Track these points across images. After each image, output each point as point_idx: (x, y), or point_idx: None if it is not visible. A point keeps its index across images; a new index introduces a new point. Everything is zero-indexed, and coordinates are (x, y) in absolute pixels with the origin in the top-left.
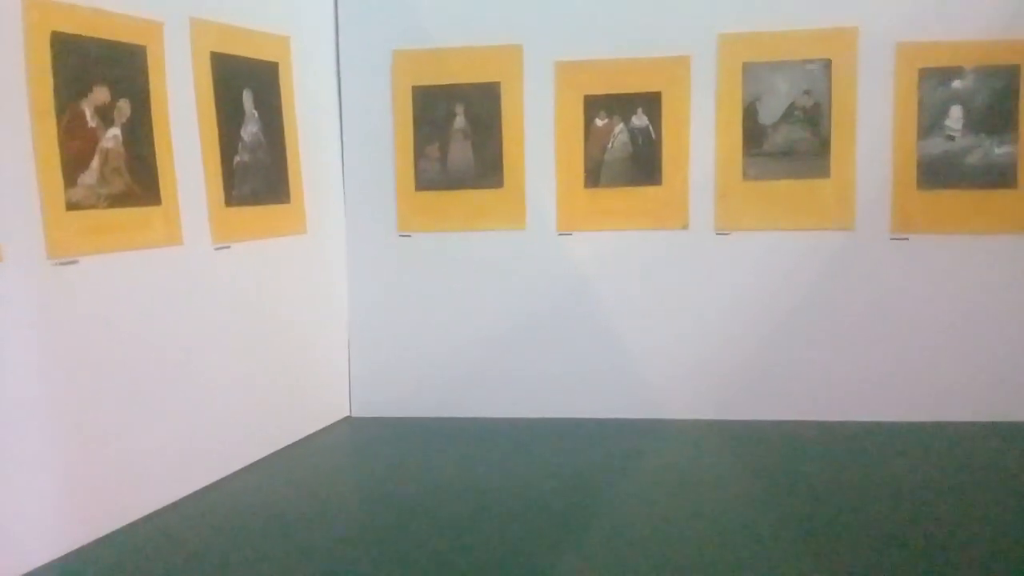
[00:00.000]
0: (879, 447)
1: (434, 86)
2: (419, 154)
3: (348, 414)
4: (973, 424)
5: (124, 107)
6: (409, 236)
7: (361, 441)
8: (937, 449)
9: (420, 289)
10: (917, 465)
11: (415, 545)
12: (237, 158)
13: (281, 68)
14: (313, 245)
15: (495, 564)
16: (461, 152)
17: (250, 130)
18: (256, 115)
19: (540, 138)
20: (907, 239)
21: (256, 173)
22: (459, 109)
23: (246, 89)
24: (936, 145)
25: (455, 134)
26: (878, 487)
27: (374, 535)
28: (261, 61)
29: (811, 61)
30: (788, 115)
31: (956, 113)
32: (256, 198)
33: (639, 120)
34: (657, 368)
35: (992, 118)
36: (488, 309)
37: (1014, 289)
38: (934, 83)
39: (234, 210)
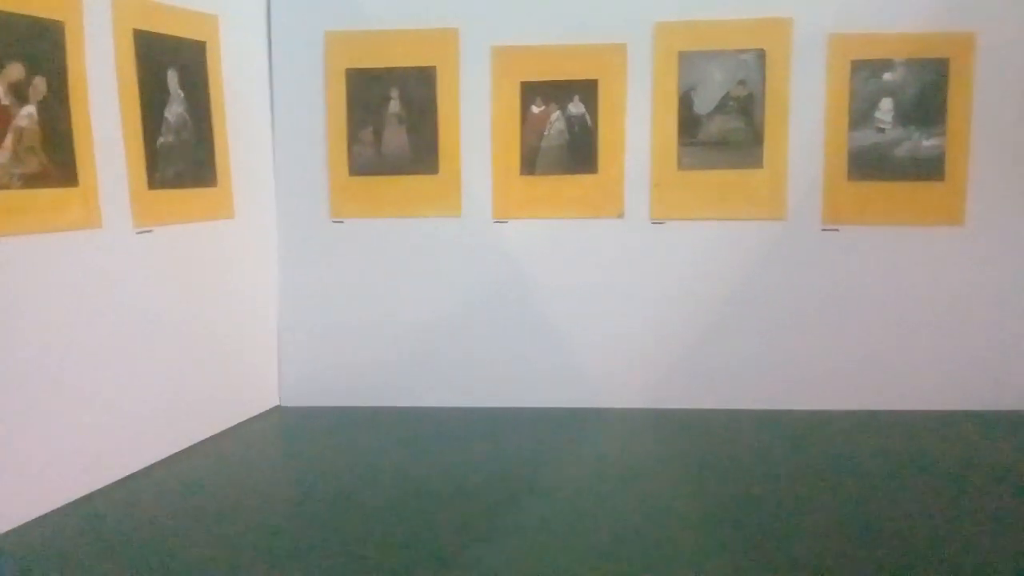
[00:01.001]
0: (810, 434)
1: (368, 69)
2: (353, 138)
3: (278, 403)
4: (902, 412)
5: (40, 84)
6: (342, 222)
7: (290, 431)
8: (867, 436)
9: (353, 276)
10: (848, 452)
11: (342, 537)
12: (161, 139)
13: (209, 47)
14: (241, 230)
15: (423, 554)
16: (396, 137)
17: (175, 111)
18: (182, 95)
19: (476, 124)
20: (838, 230)
21: (181, 155)
22: (394, 93)
23: (171, 68)
24: (867, 137)
25: (390, 118)
26: (809, 474)
27: (300, 527)
28: (188, 40)
29: (745, 51)
30: (723, 105)
31: (886, 105)
32: (181, 181)
33: (576, 108)
34: (593, 357)
35: (921, 111)
36: (422, 297)
37: (941, 280)
38: (865, 75)
39: (157, 193)
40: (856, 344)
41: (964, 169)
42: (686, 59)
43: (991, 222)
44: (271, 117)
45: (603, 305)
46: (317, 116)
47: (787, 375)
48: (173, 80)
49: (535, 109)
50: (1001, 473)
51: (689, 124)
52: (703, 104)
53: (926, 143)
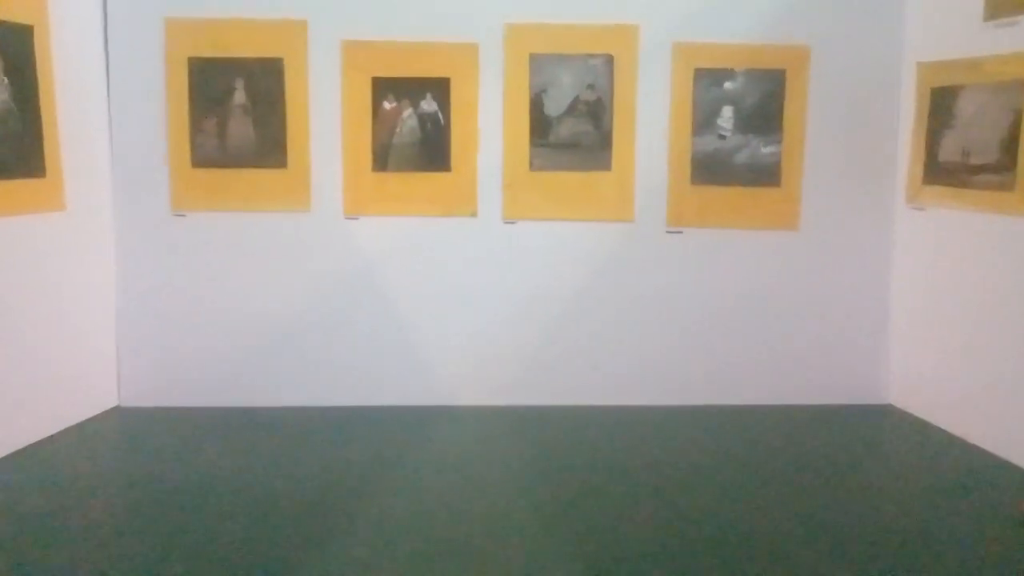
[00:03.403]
0: (652, 429)
1: (212, 58)
2: (195, 129)
3: (117, 404)
4: (742, 408)
5: None
6: (184, 215)
7: (129, 432)
8: (711, 431)
9: (195, 272)
10: (692, 447)
11: (178, 546)
12: None
13: (37, 32)
14: (74, 223)
15: (258, 560)
16: (241, 129)
17: None
18: (6, 82)
19: (326, 118)
20: (681, 232)
21: (5, 144)
22: (239, 84)
23: None
24: (709, 143)
25: (234, 110)
26: (645, 468)
27: (131, 537)
28: (12, 23)
29: (594, 56)
30: (573, 108)
31: (727, 113)
32: (5, 171)
33: (428, 105)
34: (444, 355)
35: (760, 119)
36: (269, 295)
37: (777, 281)
38: (707, 83)
39: None
40: (697, 342)
41: (799, 176)
42: (537, 61)
43: (823, 227)
44: (108, 106)
45: (455, 303)
46: (157, 106)
47: (633, 371)
48: None
49: (387, 105)
50: (822, 464)
51: (541, 126)
52: (554, 106)
53: (764, 150)
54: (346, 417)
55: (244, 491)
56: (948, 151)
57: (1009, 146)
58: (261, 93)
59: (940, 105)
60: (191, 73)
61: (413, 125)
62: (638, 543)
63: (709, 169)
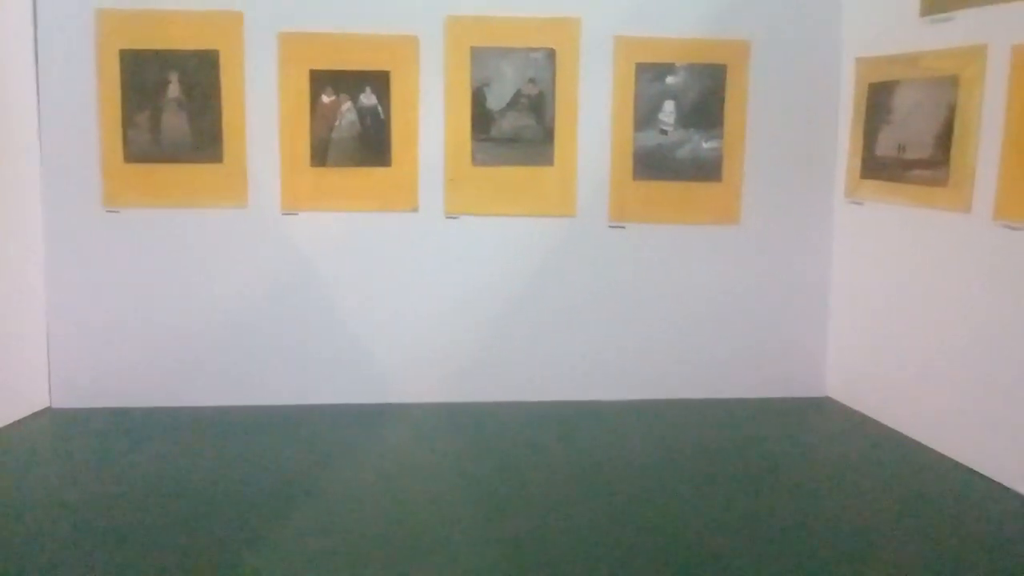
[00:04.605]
0: (598, 425)
1: (145, 51)
2: (128, 123)
3: (48, 405)
4: (683, 402)
5: None
6: (117, 212)
7: (61, 434)
8: (652, 426)
9: (129, 270)
10: (631, 442)
11: (110, 544)
12: None
13: None
14: (2, 220)
15: (195, 559)
16: (175, 122)
17: None
18: None
19: (263, 112)
20: (624, 227)
21: None
22: (173, 77)
23: None
24: (650, 138)
25: (169, 103)
26: (592, 464)
27: (59, 541)
28: None
29: (536, 50)
30: (515, 102)
31: (669, 108)
32: None
33: (367, 99)
34: (386, 352)
35: (701, 114)
36: (205, 292)
37: (718, 275)
38: (649, 78)
39: None
40: (638, 336)
41: (740, 171)
42: (478, 55)
43: (764, 221)
44: (37, 100)
45: (396, 300)
46: (88, 99)
47: (575, 367)
48: None
49: (325, 99)
50: (758, 457)
51: (482, 120)
52: (496, 100)
53: (705, 145)
54: (286, 416)
55: (180, 493)
56: (885, 146)
57: (943, 141)
58: (196, 86)
59: (877, 100)
60: (123, 66)
61: (352, 119)
62: (571, 540)
63: (651, 164)
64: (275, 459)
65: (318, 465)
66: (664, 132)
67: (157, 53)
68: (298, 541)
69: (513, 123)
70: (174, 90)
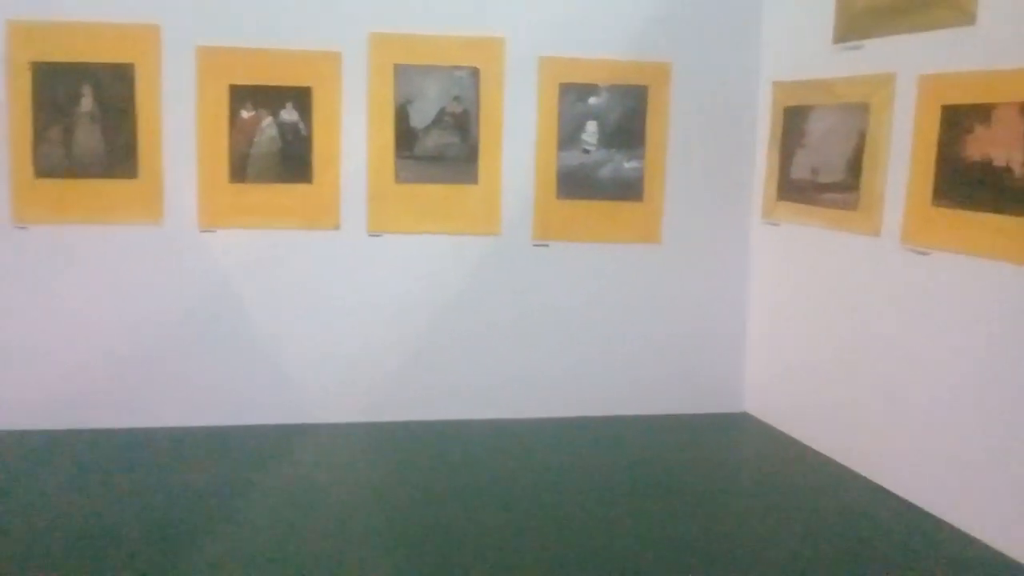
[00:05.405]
0: (520, 442)
1: (57, 63)
2: (39, 138)
3: None
4: (607, 419)
5: None
6: (26, 228)
7: None
8: (573, 443)
9: (38, 288)
10: (552, 460)
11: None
12: None
13: None
14: None
15: None
16: (89, 138)
17: None
18: None
19: (180, 127)
20: (547, 245)
21: None
22: (86, 90)
23: None
24: (574, 157)
25: (82, 117)
26: (512, 482)
27: None
28: None
29: (460, 68)
30: (439, 120)
31: (592, 128)
32: None
33: (289, 115)
34: (307, 372)
35: (623, 134)
36: (119, 311)
37: (640, 293)
38: (573, 98)
39: None
40: (565, 353)
41: (661, 190)
42: (402, 72)
43: (684, 240)
44: None
45: (318, 319)
46: None
47: (500, 384)
48: None
49: (245, 114)
50: (674, 473)
51: (406, 137)
52: (419, 118)
53: (627, 165)
54: (201, 438)
55: (86, 519)
56: (799, 169)
57: (854, 166)
58: (110, 100)
59: (793, 124)
60: (35, 79)
61: (273, 135)
62: (487, 560)
63: (575, 183)
64: (189, 483)
65: (233, 489)
66: (587, 152)
67: (70, 66)
68: (211, 570)
69: (437, 141)
70: (87, 104)
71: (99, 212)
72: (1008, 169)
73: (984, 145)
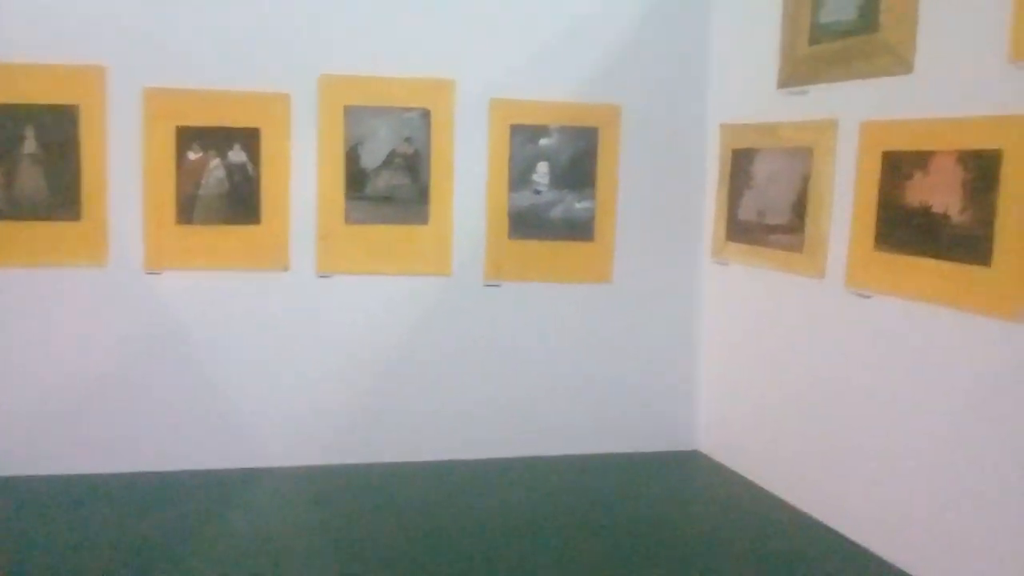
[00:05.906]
0: (472, 484)
1: None
2: None
3: None
4: (560, 458)
5: None
6: None
7: None
8: (527, 483)
9: None
10: (506, 501)
11: None
12: None
13: None
14: None
15: None
16: (31, 180)
17: None
18: None
19: (126, 169)
20: (499, 286)
21: None
22: (29, 132)
23: None
24: (525, 198)
25: (23, 159)
26: (465, 524)
27: None
28: None
29: (410, 109)
30: (389, 161)
31: (543, 169)
32: None
33: (236, 156)
34: (256, 415)
35: (574, 175)
36: (62, 356)
37: (591, 332)
38: (523, 139)
39: None
40: (515, 394)
41: (612, 230)
42: (352, 113)
43: (635, 279)
44: None
45: (267, 360)
46: None
47: (452, 426)
48: None
49: (192, 155)
50: (624, 511)
51: (356, 178)
52: (370, 159)
53: (578, 205)
54: (146, 484)
55: (28, 569)
56: (747, 210)
57: (799, 209)
58: (54, 142)
59: (740, 166)
60: None
61: (220, 176)
62: None
63: (526, 223)
64: (134, 530)
65: (180, 535)
66: (538, 192)
67: (11, 107)
68: None
69: (388, 181)
70: (30, 145)
71: (41, 254)
72: (946, 216)
73: (923, 192)
